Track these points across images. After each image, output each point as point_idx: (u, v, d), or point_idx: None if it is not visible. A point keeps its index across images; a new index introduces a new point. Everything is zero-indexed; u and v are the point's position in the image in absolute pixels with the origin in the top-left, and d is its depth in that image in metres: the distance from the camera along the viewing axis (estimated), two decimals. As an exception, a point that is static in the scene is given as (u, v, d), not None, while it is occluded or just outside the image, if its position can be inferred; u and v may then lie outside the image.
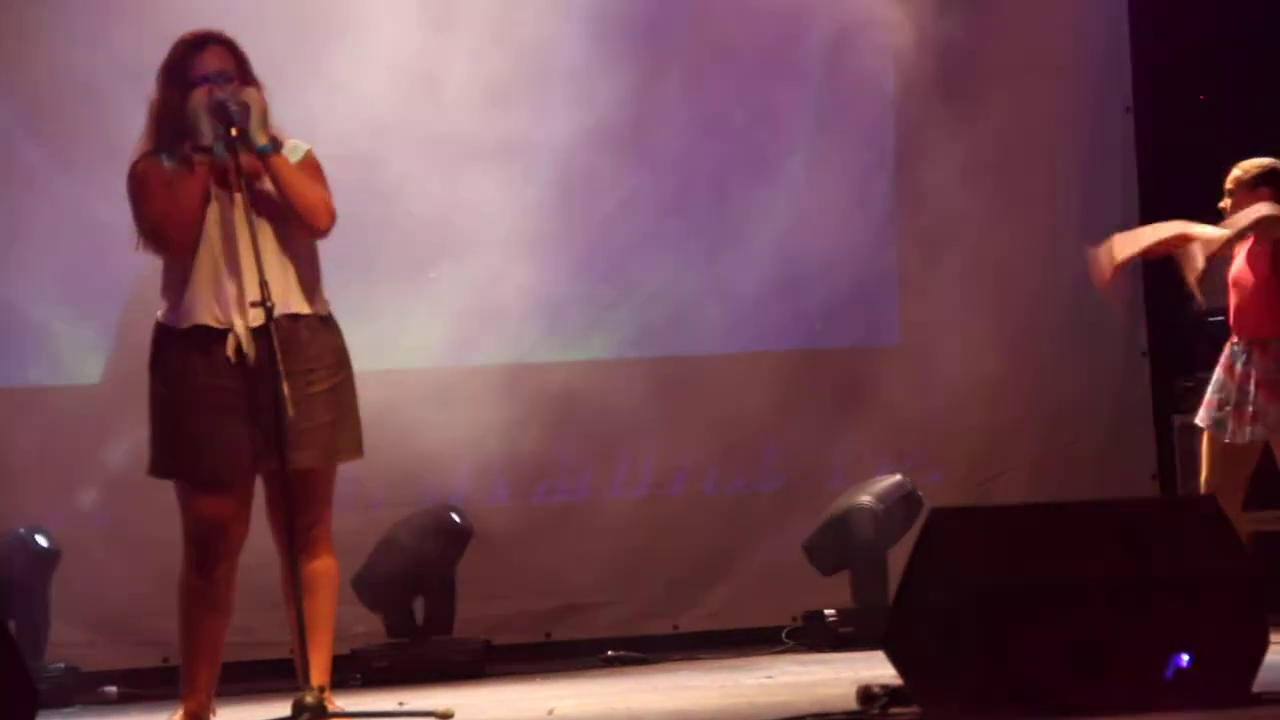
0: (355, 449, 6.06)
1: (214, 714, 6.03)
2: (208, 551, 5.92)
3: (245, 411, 5.85)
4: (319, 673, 5.81)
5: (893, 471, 9.28)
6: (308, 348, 5.91)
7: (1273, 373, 7.58)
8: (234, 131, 5.85)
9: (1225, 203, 7.70)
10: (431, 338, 9.19)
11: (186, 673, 6.01)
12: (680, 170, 9.49)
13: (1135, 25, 9.90)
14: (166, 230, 5.88)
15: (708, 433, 9.45)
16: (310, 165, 6.06)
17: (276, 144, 5.97)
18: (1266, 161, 7.68)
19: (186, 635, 6.00)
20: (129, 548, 8.56)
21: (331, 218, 5.97)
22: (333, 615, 5.94)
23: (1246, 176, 7.66)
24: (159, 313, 5.99)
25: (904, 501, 8.93)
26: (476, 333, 9.27)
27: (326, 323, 6.01)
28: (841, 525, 8.91)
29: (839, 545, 8.92)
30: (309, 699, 5.63)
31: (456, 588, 8.60)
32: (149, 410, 5.98)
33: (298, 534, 5.84)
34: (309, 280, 5.99)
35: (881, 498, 8.93)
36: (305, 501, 5.86)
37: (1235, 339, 7.67)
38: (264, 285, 5.73)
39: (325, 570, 5.90)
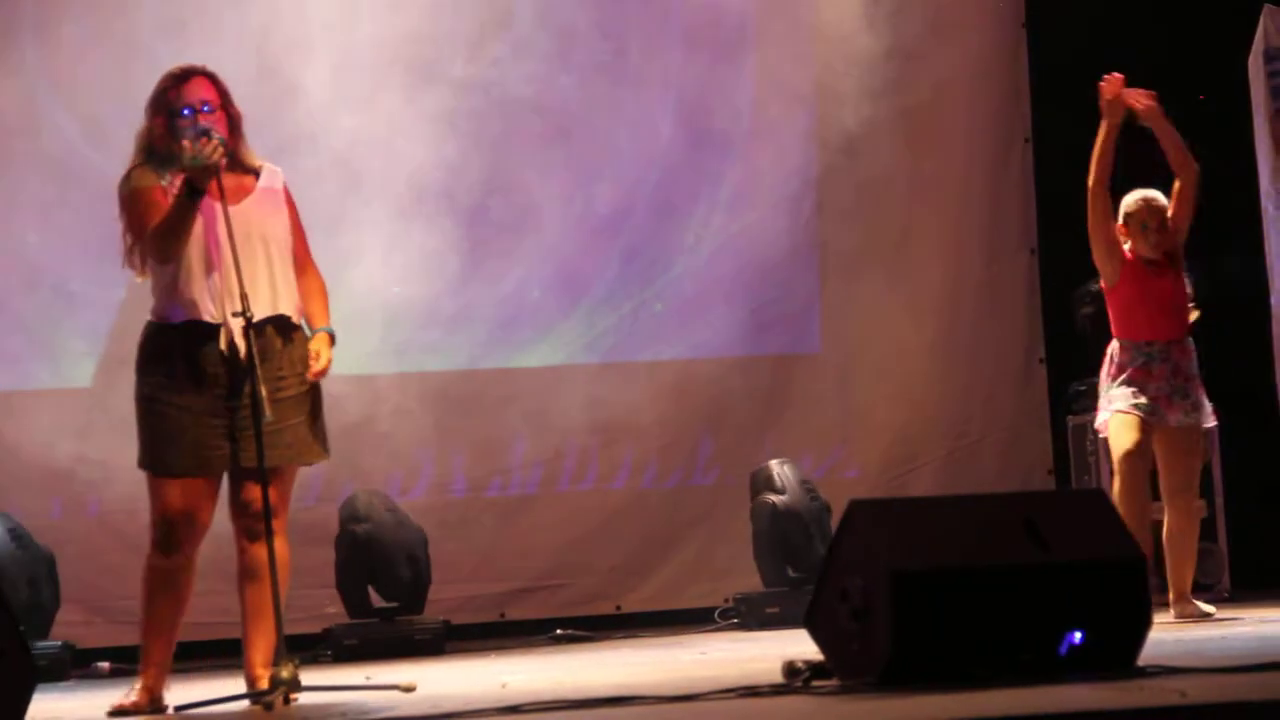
0: (322, 450, 6.04)
1: (168, 689, 5.99)
2: (174, 538, 5.88)
3: (220, 410, 5.83)
4: (269, 654, 5.78)
5: (816, 467, 9.31)
6: (282, 354, 5.90)
7: (1192, 368, 7.58)
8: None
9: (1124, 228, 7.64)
10: (392, 345, 9.17)
11: (146, 650, 5.96)
12: (623, 191, 9.48)
13: (1035, 61, 9.92)
14: (169, 246, 5.84)
15: (648, 432, 9.45)
16: (290, 201, 6.07)
17: (254, 170, 5.99)
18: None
19: (148, 615, 5.95)
20: (120, 536, 8.51)
21: (321, 279, 6.08)
22: (283, 601, 5.87)
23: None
24: (151, 314, 5.96)
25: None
26: (436, 340, 9.26)
27: (299, 332, 6.00)
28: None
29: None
30: (285, 674, 5.60)
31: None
32: (136, 407, 5.94)
33: (254, 523, 5.83)
34: (292, 290, 5.97)
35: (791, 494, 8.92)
36: (260, 496, 5.82)
37: (1149, 342, 7.58)
38: (244, 297, 5.72)
39: (279, 560, 5.85)
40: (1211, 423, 7.70)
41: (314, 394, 6.00)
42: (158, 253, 5.87)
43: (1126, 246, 7.66)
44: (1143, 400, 7.53)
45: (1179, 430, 7.55)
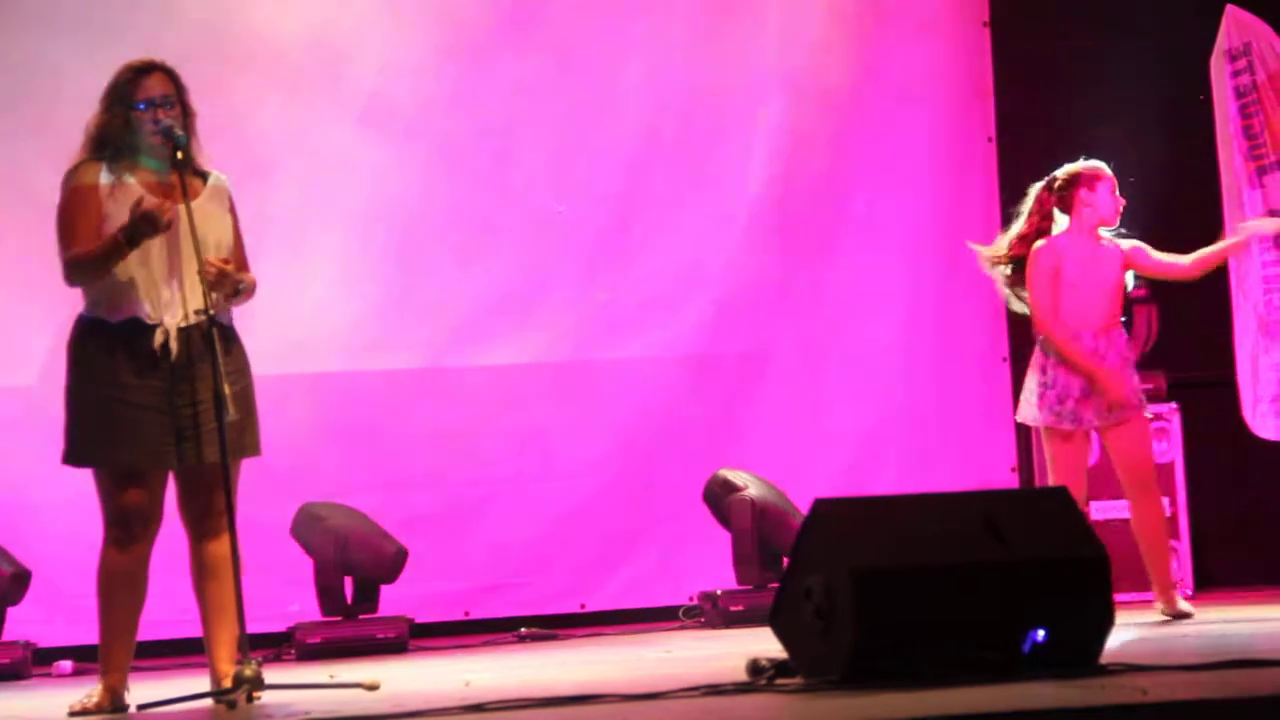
0: (257, 446, 6.01)
1: (128, 689, 5.96)
2: (130, 536, 5.85)
3: (165, 406, 5.80)
4: (233, 651, 5.76)
5: (779, 465, 9.33)
6: (221, 355, 5.85)
7: (1120, 359, 7.56)
8: (179, 154, 5.82)
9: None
10: (358, 342, 9.17)
11: (106, 651, 5.91)
12: (587, 191, 9.49)
13: (998, 62, 9.95)
14: (85, 279, 5.86)
15: (612, 431, 9.45)
16: (232, 207, 6.05)
17: (203, 174, 5.97)
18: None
19: (108, 616, 5.91)
20: (81, 535, 8.45)
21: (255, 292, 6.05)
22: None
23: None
24: (85, 308, 5.92)
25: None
26: (399, 339, 9.26)
27: (233, 331, 5.98)
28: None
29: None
30: (248, 671, 5.59)
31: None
32: (66, 401, 5.90)
33: (208, 520, 5.82)
34: (224, 297, 5.95)
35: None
36: (216, 492, 5.81)
37: (1074, 336, 7.54)
38: (206, 294, 5.71)
39: (229, 556, 5.84)
40: (1146, 414, 7.63)
41: (250, 392, 5.97)
42: (75, 276, 5.88)
43: (1062, 225, 7.57)
44: (1065, 408, 7.50)
45: (1119, 426, 7.52)
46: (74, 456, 5.91)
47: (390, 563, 8.43)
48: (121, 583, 5.89)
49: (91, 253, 5.80)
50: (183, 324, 5.80)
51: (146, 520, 5.87)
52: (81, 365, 5.89)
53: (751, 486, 8.86)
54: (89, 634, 8.33)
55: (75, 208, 5.89)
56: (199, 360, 5.78)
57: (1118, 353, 7.54)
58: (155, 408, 5.80)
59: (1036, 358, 7.64)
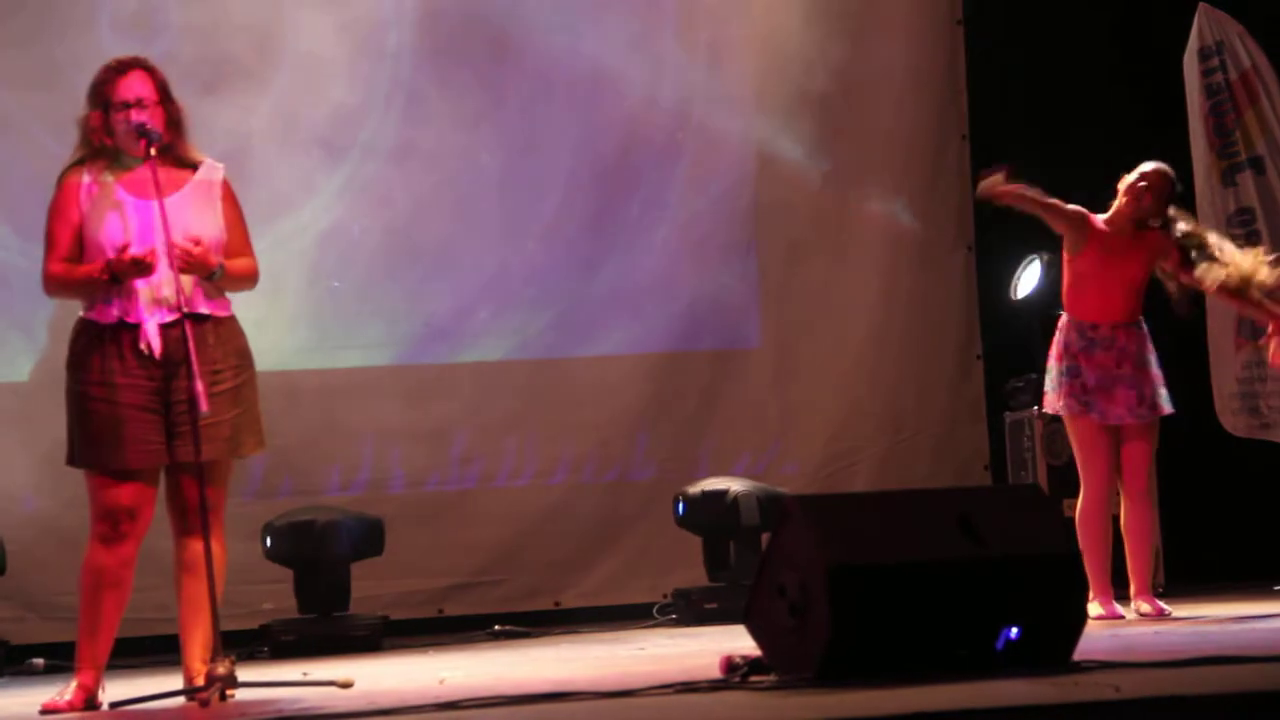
0: (258, 443, 6.02)
1: (103, 688, 5.95)
2: (116, 534, 5.85)
3: (156, 405, 5.80)
4: (206, 649, 5.74)
5: (754, 463, 9.34)
6: (214, 349, 5.86)
7: (1142, 354, 7.58)
8: (153, 150, 5.82)
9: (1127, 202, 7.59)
10: (333, 341, 9.15)
11: (86, 648, 5.88)
12: (562, 189, 9.48)
13: (971, 59, 9.96)
14: (60, 294, 5.94)
15: (586, 427, 9.45)
16: (230, 195, 6.04)
17: (192, 165, 5.96)
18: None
19: (89, 614, 5.89)
20: (55, 533, 8.46)
21: (257, 278, 6.07)
22: (218, 596, 5.84)
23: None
24: (82, 310, 5.93)
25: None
26: (374, 337, 9.24)
27: (231, 325, 5.97)
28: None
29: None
30: (221, 670, 5.57)
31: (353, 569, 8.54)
32: (67, 404, 5.91)
33: (191, 518, 5.81)
34: (214, 286, 5.94)
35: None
36: (206, 490, 5.80)
37: (1093, 325, 7.57)
38: (180, 291, 5.70)
39: (216, 556, 5.83)
40: (1166, 410, 7.63)
41: (248, 387, 5.97)
42: (50, 290, 5.94)
43: (1104, 217, 7.60)
44: (1092, 398, 7.52)
45: (1140, 424, 7.55)
46: (71, 457, 5.91)
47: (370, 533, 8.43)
48: (105, 580, 5.88)
49: (68, 280, 5.86)
50: (165, 321, 5.79)
51: (133, 518, 5.85)
52: (75, 366, 5.90)
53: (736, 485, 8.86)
54: (63, 632, 8.36)
55: (57, 212, 5.91)
56: (183, 354, 5.76)
57: (1136, 349, 7.57)
58: (145, 406, 5.80)
59: (1056, 345, 7.65)
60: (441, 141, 9.33)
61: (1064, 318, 7.68)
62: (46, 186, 5.98)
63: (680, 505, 8.86)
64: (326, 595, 8.40)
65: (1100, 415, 7.52)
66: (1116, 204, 7.58)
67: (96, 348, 5.85)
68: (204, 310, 5.87)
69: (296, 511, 8.49)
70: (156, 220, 5.78)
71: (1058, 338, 7.68)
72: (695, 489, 8.87)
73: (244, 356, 5.97)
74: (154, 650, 7.54)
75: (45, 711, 5.79)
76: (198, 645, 5.83)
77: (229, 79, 8.86)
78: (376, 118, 9.24)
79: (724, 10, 9.70)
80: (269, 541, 8.38)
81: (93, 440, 5.83)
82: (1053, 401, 7.67)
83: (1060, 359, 7.62)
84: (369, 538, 8.48)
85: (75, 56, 8.10)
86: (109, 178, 5.89)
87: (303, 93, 9.08)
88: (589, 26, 9.52)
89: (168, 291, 5.78)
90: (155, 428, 5.81)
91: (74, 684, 5.86)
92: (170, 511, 5.93)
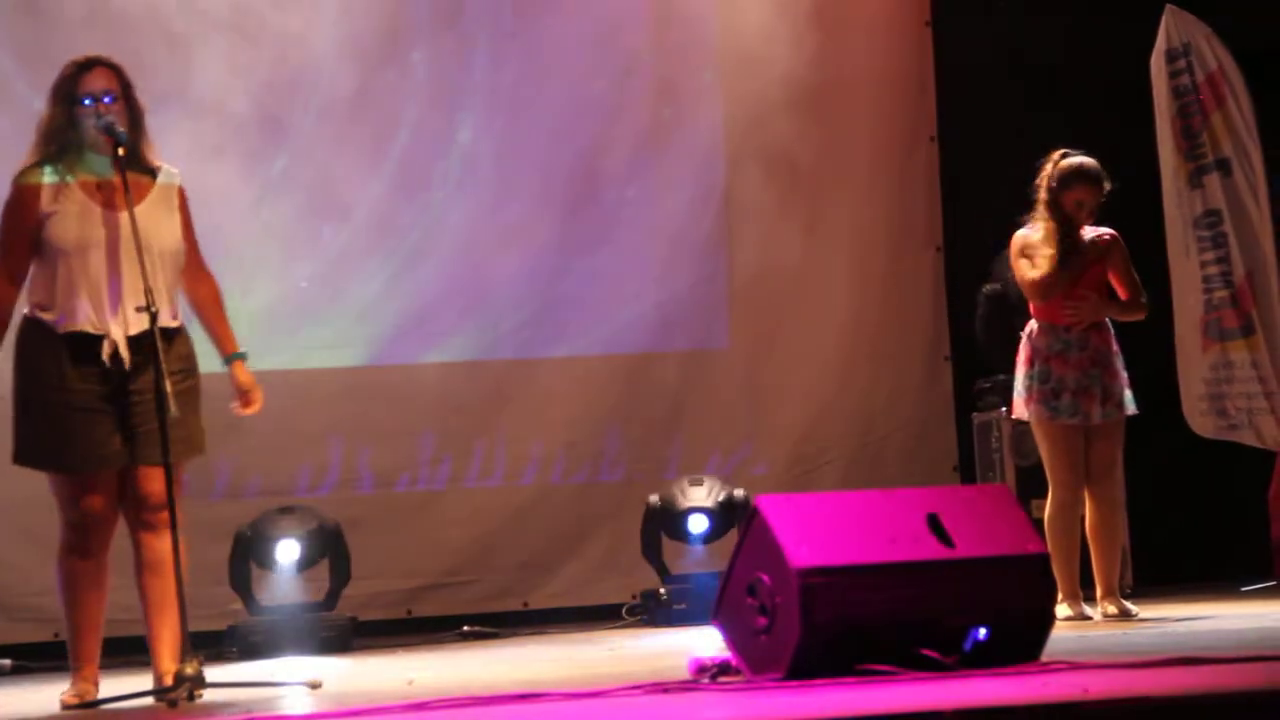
0: (199, 447, 6.00)
1: (97, 685, 5.96)
2: (89, 537, 5.87)
3: (114, 410, 5.79)
4: (176, 649, 5.73)
5: (723, 464, 9.35)
6: (168, 354, 5.84)
7: (1110, 354, 7.60)
8: (121, 151, 5.80)
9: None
10: (301, 341, 9.13)
11: (76, 649, 5.94)
12: (531, 189, 9.48)
13: (939, 61, 9.98)
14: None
15: (555, 428, 9.44)
16: (184, 204, 6.03)
17: (151, 170, 5.94)
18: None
19: (73, 614, 5.93)
20: (20, 531, 8.43)
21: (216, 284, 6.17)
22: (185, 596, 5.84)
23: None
24: (29, 309, 5.91)
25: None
26: (342, 336, 9.23)
27: (180, 332, 5.96)
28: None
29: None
30: (189, 670, 5.57)
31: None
32: (14, 401, 5.89)
33: (149, 515, 5.82)
34: (170, 297, 5.93)
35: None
36: (157, 488, 5.81)
37: (1067, 329, 7.58)
38: (149, 292, 5.68)
39: (171, 552, 5.83)
40: (1132, 410, 7.68)
41: (194, 393, 5.96)
42: None
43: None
44: (1063, 402, 7.54)
45: (1108, 423, 7.57)
46: (23, 457, 5.90)
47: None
48: (85, 584, 5.92)
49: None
50: (131, 333, 5.79)
51: (105, 520, 5.89)
52: (27, 366, 5.88)
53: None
54: (31, 633, 8.33)
55: (10, 212, 5.90)
56: (145, 363, 5.76)
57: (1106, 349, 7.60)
58: (99, 410, 5.80)
59: (1025, 351, 7.66)
60: (411, 142, 9.31)
61: (1032, 323, 7.69)
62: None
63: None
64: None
65: (1084, 416, 7.54)
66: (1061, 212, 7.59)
67: (49, 349, 5.83)
68: (165, 321, 5.85)
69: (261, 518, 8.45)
70: (125, 231, 5.76)
71: (1025, 343, 7.69)
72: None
73: (189, 361, 5.99)
74: (119, 651, 7.52)
75: (67, 707, 5.84)
76: (167, 645, 5.82)
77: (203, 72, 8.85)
78: (345, 116, 9.21)
79: (694, 11, 9.70)
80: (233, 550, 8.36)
81: (53, 444, 5.83)
82: (1021, 406, 7.69)
83: (1030, 363, 7.64)
84: (325, 545, 8.44)
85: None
86: (71, 179, 5.87)
87: (273, 88, 9.06)
88: (559, 26, 9.51)
89: (135, 304, 5.76)
90: (110, 430, 5.80)
91: (73, 685, 5.89)
92: (125, 513, 5.92)
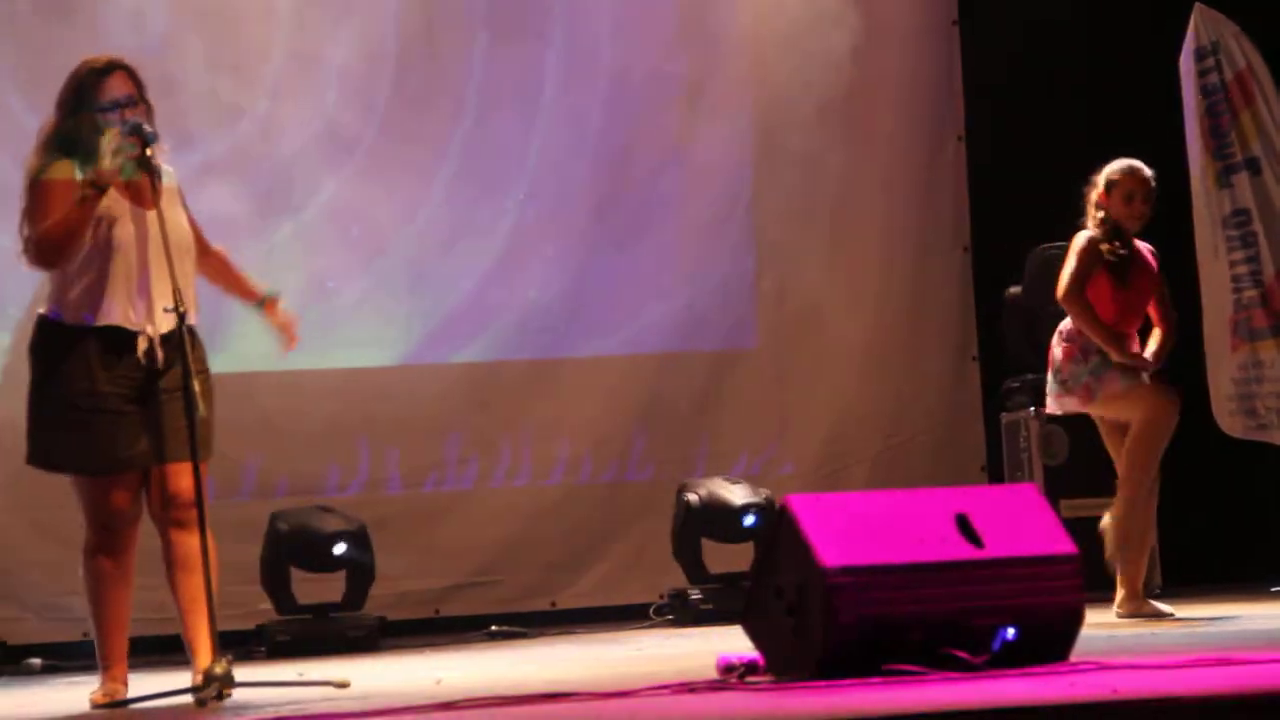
0: (212, 447, 6.00)
1: (126, 684, 5.98)
2: (114, 537, 5.89)
3: (141, 410, 5.80)
4: (209, 648, 5.73)
5: (751, 463, 9.34)
6: (190, 354, 5.85)
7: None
8: (149, 151, 5.81)
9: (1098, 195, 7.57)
10: (328, 341, 9.13)
11: (104, 649, 5.96)
12: (560, 188, 9.48)
13: (967, 60, 9.96)
14: (59, 250, 5.81)
15: (583, 428, 9.44)
16: (180, 197, 6.04)
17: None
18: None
19: (100, 614, 5.95)
20: (47, 531, 8.45)
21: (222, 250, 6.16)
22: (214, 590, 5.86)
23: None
24: (47, 309, 5.90)
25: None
26: (370, 336, 9.24)
27: (195, 332, 5.97)
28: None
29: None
30: (219, 669, 5.58)
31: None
32: (30, 402, 5.89)
33: (178, 514, 5.82)
34: (193, 291, 5.95)
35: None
36: (185, 486, 5.81)
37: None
38: (177, 293, 5.69)
39: (209, 550, 5.84)
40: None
41: (211, 393, 5.97)
42: (56, 252, 5.82)
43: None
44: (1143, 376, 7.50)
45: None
46: (41, 459, 5.90)
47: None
48: (111, 583, 5.94)
49: (65, 219, 5.76)
50: (164, 330, 5.80)
51: (129, 522, 5.89)
52: (46, 368, 5.87)
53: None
54: (60, 632, 8.36)
55: (52, 194, 5.84)
56: (173, 362, 5.78)
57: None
58: (126, 411, 5.81)
59: (1076, 344, 7.56)
60: (439, 140, 9.32)
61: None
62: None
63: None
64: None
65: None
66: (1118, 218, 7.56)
67: (71, 349, 5.83)
68: (189, 314, 5.87)
69: (289, 514, 8.46)
70: (152, 229, 5.77)
71: (1073, 337, 7.56)
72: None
73: (205, 362, 5.99)
74: (149, 650, 7.53)
75: (97, 706, 5.86)
76: (204, 639, 5.80)
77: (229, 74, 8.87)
78: (375, 115, 9.22)
79: (723, 12, 9.69)
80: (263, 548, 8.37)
81: (77, 444, 5.83)
82: (1078, 397, 7.57)
83: (1085, 355, 7.51)
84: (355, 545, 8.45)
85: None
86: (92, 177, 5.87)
87: (298, 91, 9.08)
88: (587, 25, 9.52)
89: (164, 304, 5.77)
90: (137, 429, 5.81)
91: (103, 683, 5.92)
92: (153, 512, 5.93)
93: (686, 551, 8.86)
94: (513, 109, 9.43)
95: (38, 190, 5.88)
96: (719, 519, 8.79)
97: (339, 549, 8.32)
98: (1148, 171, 7.63)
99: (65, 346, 5.85)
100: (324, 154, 9.14)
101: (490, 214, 9.40)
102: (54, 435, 5.86)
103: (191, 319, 5.89)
